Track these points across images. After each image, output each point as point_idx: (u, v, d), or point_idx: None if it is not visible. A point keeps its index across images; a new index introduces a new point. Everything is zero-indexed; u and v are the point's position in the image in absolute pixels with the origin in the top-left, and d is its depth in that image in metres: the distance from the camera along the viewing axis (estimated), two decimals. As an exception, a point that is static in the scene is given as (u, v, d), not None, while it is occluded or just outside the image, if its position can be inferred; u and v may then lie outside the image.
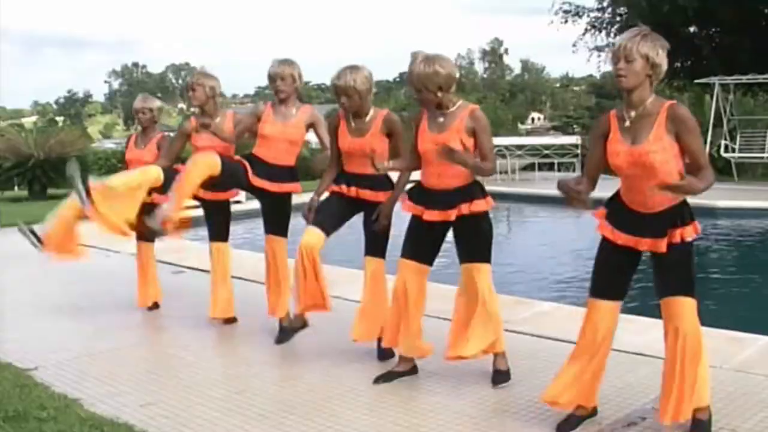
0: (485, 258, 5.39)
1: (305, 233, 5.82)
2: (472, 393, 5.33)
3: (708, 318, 6.83)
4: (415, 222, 5.47)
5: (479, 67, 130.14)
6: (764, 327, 6.63)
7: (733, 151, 21.44)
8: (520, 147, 25.29)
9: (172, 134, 7.90)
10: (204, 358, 6.55)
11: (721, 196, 16.66)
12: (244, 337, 7.08)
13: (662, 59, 4.24)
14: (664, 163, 4.22)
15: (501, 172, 22.29)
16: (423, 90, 5.21)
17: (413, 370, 5.72)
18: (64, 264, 7.89)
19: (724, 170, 21.79)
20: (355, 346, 6.13)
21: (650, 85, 4.29)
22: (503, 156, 22.65)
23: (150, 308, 7.93)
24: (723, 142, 21.44)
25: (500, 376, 5.47)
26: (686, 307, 4.37)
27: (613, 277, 4.59)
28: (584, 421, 4.70)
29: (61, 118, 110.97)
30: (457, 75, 5.35)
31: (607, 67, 31.39)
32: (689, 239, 4.35)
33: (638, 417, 4.77)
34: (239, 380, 5.91)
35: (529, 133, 54.37)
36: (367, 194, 5.95)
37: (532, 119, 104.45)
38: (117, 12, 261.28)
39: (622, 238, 4.49)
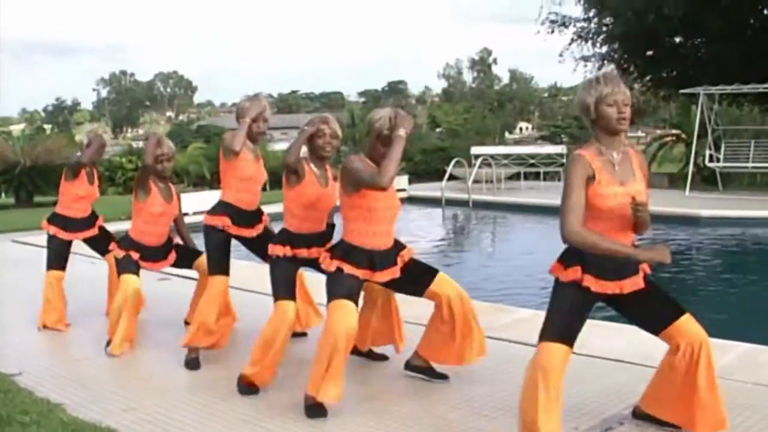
0: None
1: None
2: (454, 400, 5.40)
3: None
4: None
5: (468, 76, 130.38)
6: (746, 334, 6.70)
7: (718, 160, 21.53)
8: (505, 156, 25.37)
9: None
10: (183, 366, 6.61)
11: (705, 206, 16.84)
12: (229, 345, 7.10)
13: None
14: (647, 201, 4.32)
15: (487, 181, 22.36)
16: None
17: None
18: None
19: (709, 180, 21.91)
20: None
21: None
22: (489, 165, 22.71)
23: None
24: (708, 152, 21.53)
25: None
26: (694, 320, 4.48)
27: (578, 325, 4.43)
28: None
29: (49, 125, 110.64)
30: None
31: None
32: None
33: (616, 422, 4.83)
34: (221, 386, 5.92)
35: (517, 142, 54.48)
36: None
37: (521, 129, 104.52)
38: (105, 20, 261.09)
39: (608, 287, 4.39)
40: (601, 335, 6.38)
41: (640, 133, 71.86)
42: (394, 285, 5.48)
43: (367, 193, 5.10)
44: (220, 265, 6.43)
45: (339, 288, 5.12)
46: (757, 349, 6.29)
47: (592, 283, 4.33)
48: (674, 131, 27.86)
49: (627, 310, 4.56)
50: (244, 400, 5.50)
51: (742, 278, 11.90)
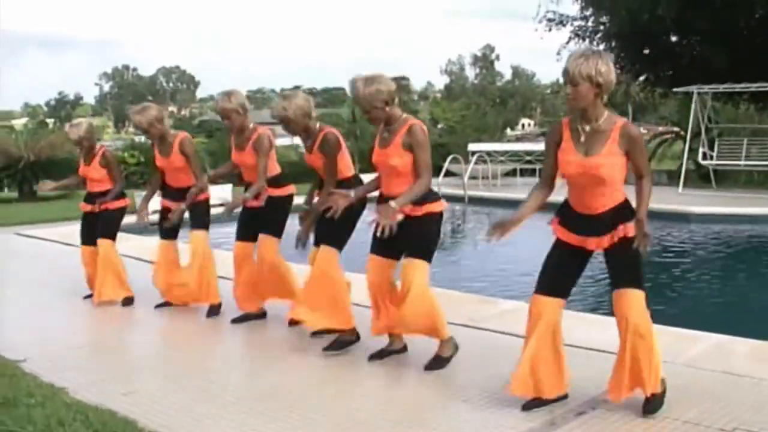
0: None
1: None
2: (440, 386, 5.66)
3: (675, 317, 7.21)
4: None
5: (470, 72, 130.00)
6: (720, 326, 6.95)
7: (712, 158, 21.68)
8: (502, 153, 25.53)
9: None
10: (183, 350, 6.95)
11: (696, 203, 17.02)
12: (222, 330, 7.43)
13: (605, 75, 4.61)
14: (610, 174, 4.70)
15: (483, 178, 22.55)
16: (371, 109, 5.61)
17: (404, 349, 6.23)
18: (49, 263, 8.15)
19: (707, 177, 22.02)
20: (323, 342, 6.53)
21: (600, 99, 4.70)
22: (485, 162, 22.87)
23: (125, 303, 8.32)
24: (701, 150, 21.66)
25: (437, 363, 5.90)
26: (634, 298, 4.78)
27: (559, 276, 4.99)
28: (549, 404, 5.10)
29: (52, 120, 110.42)
30: (395, 89, 5.72)
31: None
32: (632, 234, 4.70)
33: (589, 407, 5.09)
34: (217, 371, 6.25)
35: (519, 139, 54.50)
36: None
37: (523, 125, 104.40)
38: (107, 14, 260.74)
39: (572, 239, 4.92)
40: (583, 326, 6.63)
41: (642, 130, 72.13)
42: None
43: None
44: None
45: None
46: (731, 340, 6.52)
47: (562, 233, 4.96)
48: (674, 128, 27.97)
49: (606, 268, 4.97)
50: (238, 385, 5.80)
51: (726, 274, 12.16)
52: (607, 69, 4.61)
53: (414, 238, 5.67)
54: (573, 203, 4.94)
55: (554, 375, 5.06)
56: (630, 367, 4.83)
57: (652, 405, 4.90)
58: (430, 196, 5.66)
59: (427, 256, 5.70)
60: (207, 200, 7.84)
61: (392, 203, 5.42)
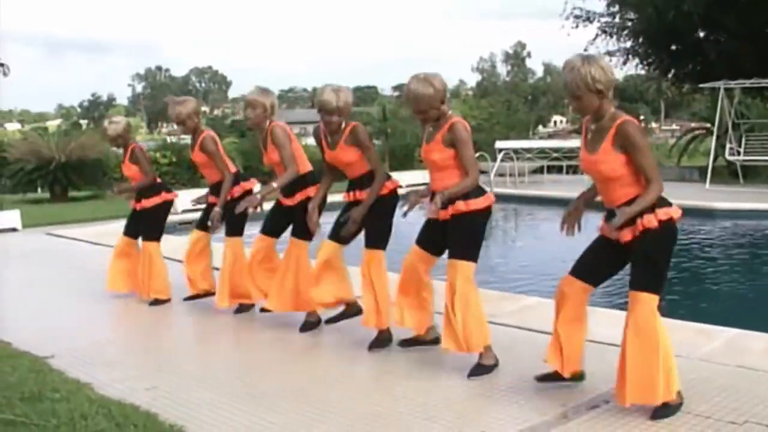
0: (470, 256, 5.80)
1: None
2: (455, 379, 5.73)
3: (696, 312, 7.21)
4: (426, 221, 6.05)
5: (502, 70, 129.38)
6: (739, 322, 6.97)
7: (738, 154, 21.59)
8: (529, 150, 25.51)
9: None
10: (205, 347, 7.16)
11: (721, 199, 16.94)
12: (248, 327, 7.57)
13: (603, 78, 4.68)
14: (612, 171, 4.78)
15: (510, 175, 22.59)
16: (429, 109, 5.70)
17: (437, 341, 6.25)
18: (79, 262, 8.30)
19: (737, 174, 21.94)
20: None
21: (605, 99, 4.77)
22: (511, 159, 22.89)
23: (152, 303, 8.42)
24: (728, 146, 21.56)
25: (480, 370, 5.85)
26: (640, 301, 4.79)
27: (589, 261, 5.10)
28: (561, 380, 5.31)
29: (85, 121, 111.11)
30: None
31: (621, 72, 31.50)
32: (651, 226, 4.72)
33: (602, 401, 5.16)
34: (237, 367, 6.39)
35: (551, 135, 54.31)
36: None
37: (555, 122, 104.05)
38: (140, 16, 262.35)
39: (603, 229, 5.03)
40: (598, 322, 6.67)
41: (674, 126, 71.46)
42: None
43: None
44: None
45: None
46: (748, 335, 6.56)
47: (602, 225, 5.06)
48: (705, 125, 27.82)
49: None
50: (258, 381, 5.88)
51: (749, 269, 12.13)
52: (602, 72, 4.67)
53: (459, 235, 5.74)
54: (600, 195, 5.07)
55: (573, 352, 5.24)
56: (631, 368, 4.83)
57: (661, 411, 4.87)
58: (475, 192, 5.72)
59: (472, 256, 5.75)
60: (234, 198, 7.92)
61: (440, 195, 5.54)
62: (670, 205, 4.79)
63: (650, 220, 4.70)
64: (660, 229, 4.72)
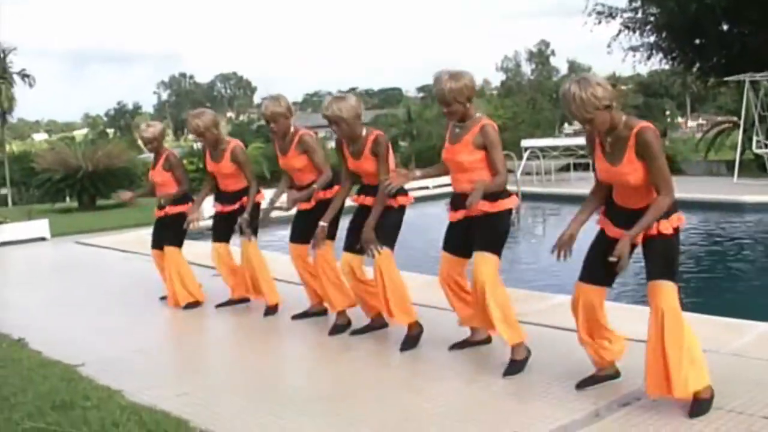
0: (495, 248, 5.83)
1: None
2: (488, 380, 5.72)
3: (725, 307, 7.14)
4: (450, 223, 6.09)
5: (526, 68, 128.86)
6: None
7: (766, 146, 21.38)
8: (554, 148, 25.43)
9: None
10: (239, 352, 7.11)
11: (749, 192, 16.80)
12: (278, 331, 7.60)
13: (603, 93, 4.65)
14: (639, 179, 4.79)
15: (536, 173, 22.50)
16: (453, 103, 5.69)
17: (488, 340, 6.41)
18: (107, 270, 8.35)
19: (763, 166, 21.81)
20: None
21: (614, 111, 4.75)
22: (537, 157, 22.82)
23: (186, 307, 8.45)
24: (755, 139, 21.41)
25: (514, 367, 5.84)
26: (664, 289, 4.79)
27: (598, 265, 5.03)
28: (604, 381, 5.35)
29: (111, 129, 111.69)
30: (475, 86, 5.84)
31: (645, 67, 31.43)
32: (666, 231, 4.78)
33: (633, 398, 5.12)
34: (268, 373, 6.39)
35: (576, 133, 54.15)
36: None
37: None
38: (163, 25, 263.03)
39: (613, 231, 4.98)
40: (626, 318, 6.62)
41: (701, 121, 71.03)
42: None
43: None
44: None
45: None
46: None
47: (604, 224, 5.11)
48: (732, 118, 27.63)
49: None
50: (288, 387, 5.93)
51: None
52: (602, 88, 4.66)
53: (487, 232, 5.79)
54: (614, 197, 5.05)
55: (601, 349, 5.32)
56: (660, 356, 4.81)
57: (698, 408, 4.82)
58: (504, 193, 5.80)
59: (498, 250, 5.80)
60: (258, 204, 7.97)
61: (477, 191, 5.52)
62: (677, 209, 4.86)
63: (666, 227, 4.79)
64: (674, 233, 4.83)
